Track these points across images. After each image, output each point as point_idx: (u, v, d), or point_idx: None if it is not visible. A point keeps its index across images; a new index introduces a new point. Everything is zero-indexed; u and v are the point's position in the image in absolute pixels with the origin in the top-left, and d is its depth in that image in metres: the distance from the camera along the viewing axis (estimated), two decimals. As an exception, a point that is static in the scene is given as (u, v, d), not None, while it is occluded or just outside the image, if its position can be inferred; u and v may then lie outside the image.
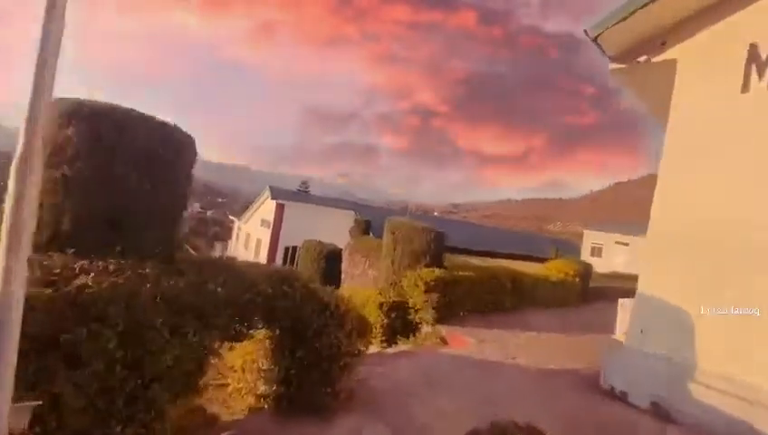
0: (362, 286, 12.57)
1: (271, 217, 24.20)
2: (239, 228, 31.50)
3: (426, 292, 6.72)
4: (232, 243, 33.94)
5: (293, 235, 24.54)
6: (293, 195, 25.73)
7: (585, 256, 30.40)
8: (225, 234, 46.14)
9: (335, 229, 23.39)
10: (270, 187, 24.65)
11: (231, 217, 35.63)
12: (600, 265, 24.81)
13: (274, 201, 23.72)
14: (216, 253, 32.03)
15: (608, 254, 32.59)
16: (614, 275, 21.33)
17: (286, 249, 24.44)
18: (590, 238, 34.95)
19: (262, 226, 26.03)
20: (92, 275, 1.82)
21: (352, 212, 25.95)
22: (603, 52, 4.80)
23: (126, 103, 2.47)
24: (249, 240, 28.40)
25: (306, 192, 40.30)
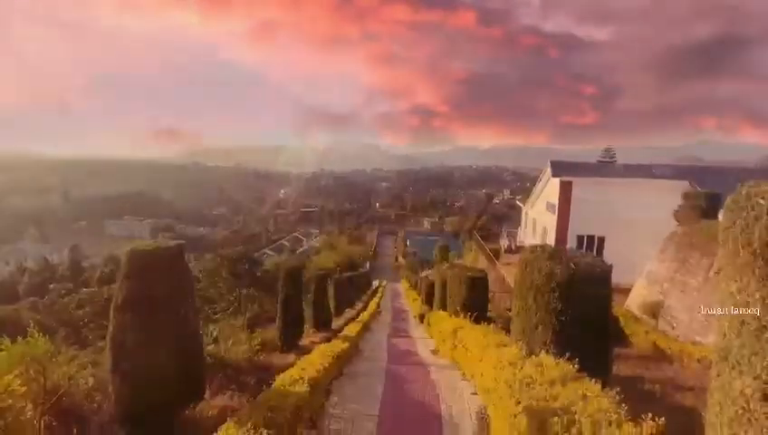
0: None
1: (556, 200, 19.76)
2: (526, 214, 28.44)
3: None
4: (521, 230, 31.32)
5: (590, 220, 19.05)
6: (584, 169, 19.96)
7: None
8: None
9: (653, 210, 16.20)
10: (551, 162, 20.14)
11: (518, 203, 33.05)
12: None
13: (557, 179, 19.11)
14: (503, 241, 30.37)
15: None
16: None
17: (580, 239, 19.29)
18: None
19: (547, 210, 21.93)
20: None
21: (683, 183, 17.33)
22: None
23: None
24: (536, 227, 24.90)
25: (611, 162, 31.72)
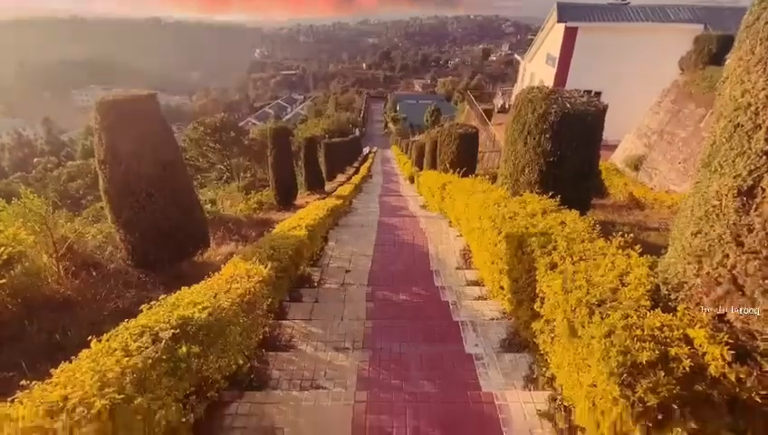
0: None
1: (557, 52, 18.27)
2: (524, 68, 26.69)
3: None
4: (518, 86, 29.82)
5: (590, 73, 17.99)
6: (593, 12, 17.86)
7: None
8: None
9: (659, 61, 15.22)
10: (558, 4, 17.87)
11: (517, 57, 30.63)
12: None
13: (563, 25, 17.30)
14: (497, 100, 29.22)
15: None
16: None
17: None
18: None
19: (547, 63, 20.50)
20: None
21: (698, 27, 15.85)
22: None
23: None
24: (533, 82, 23.64)
25: (624, 3, 28.26)
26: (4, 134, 66.31)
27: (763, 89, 1.58)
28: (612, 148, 15.54)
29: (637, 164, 13.38)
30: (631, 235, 2.87)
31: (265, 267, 3.45)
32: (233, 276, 3.14)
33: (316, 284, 5.02)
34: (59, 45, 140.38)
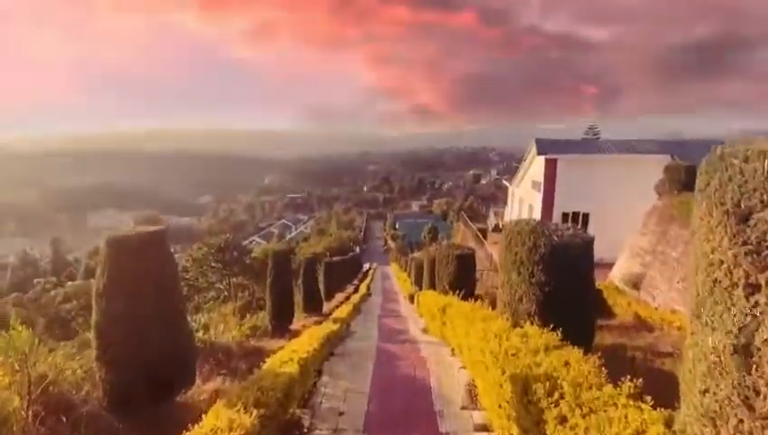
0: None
1: (541, 178, 19.92)
2: (512, 193, 28.68)
3: None
4: (508, 209, 31.63)
5: (575, 197, 19.31)
6: (568, 146, 20.08)
7: None
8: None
9: (637, 186, 16.48)
10: (536, 140, 20.20)
11: (505, 182, 33.27)
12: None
13: (542, 157, 19.22)
14: (490, 220, 30.67)
15: None
16: None
17: (565, 216, 19.57)
18: None
19: (533, 188, 22.13)
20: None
21: (666, 157, 17.61)
22: None
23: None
24: (522, 205, 25.16)
25: (595, 138, 32.02)
26: (13, 254, 67.60)
27: (730, 249, 1.69)
28: (608, 266, 15.71)
29: (636, 283, 13.34)
30: (644, 361, 2.72)
31: (250, 416, 3.17)
32: (213, 430, 2.86)
33: (306, 430, 4.53)
34: (83, 175, 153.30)
